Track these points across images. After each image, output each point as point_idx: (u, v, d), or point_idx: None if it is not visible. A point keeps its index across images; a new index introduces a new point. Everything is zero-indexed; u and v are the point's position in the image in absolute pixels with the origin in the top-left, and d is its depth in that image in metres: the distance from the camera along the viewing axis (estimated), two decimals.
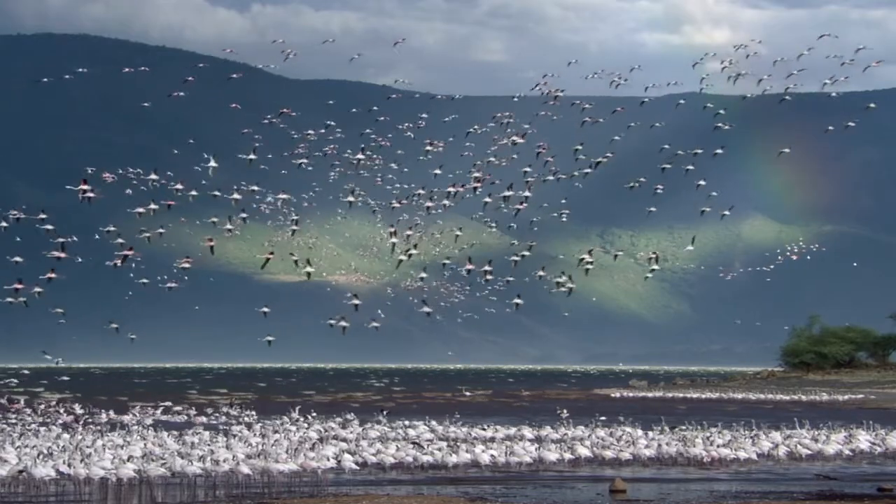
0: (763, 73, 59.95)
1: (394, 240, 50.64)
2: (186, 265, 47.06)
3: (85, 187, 45.62)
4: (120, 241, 48.53)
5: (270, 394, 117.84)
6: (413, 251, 50.86)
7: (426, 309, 50.55)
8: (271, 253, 52.27)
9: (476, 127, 72.60)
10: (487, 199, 55.60)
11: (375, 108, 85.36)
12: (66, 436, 45.64)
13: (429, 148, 69.79)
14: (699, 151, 58.39)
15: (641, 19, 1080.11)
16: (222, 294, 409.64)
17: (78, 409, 65.12)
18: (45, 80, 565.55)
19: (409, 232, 56.64)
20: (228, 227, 53.70)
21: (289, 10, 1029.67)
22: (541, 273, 50.67)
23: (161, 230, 53.30)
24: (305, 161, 69.43)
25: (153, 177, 58.82)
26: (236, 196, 56.30)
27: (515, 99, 73.05)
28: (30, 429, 50.35)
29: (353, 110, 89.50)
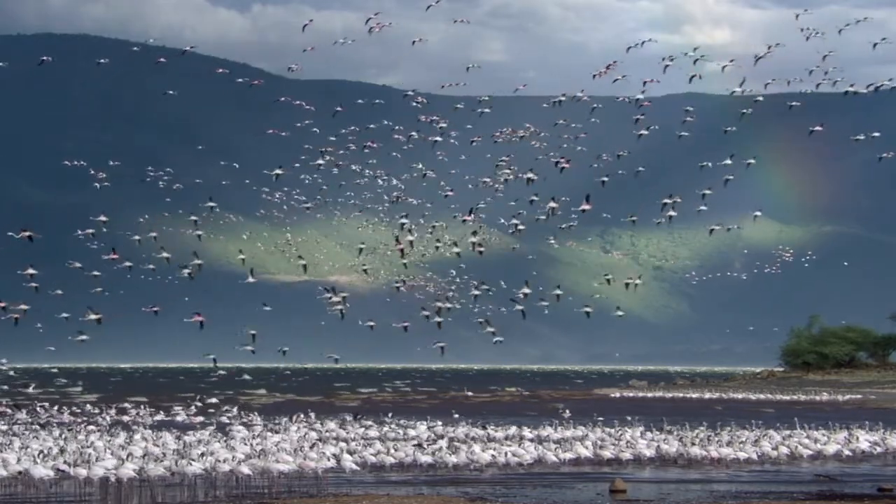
0: (766, 72, 59.66)
1: (340, 307, 50.40)
2: (93, 317, 46.90)
3: (27, 233, 45.89)
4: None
5: (301, 394, 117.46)
6: (339, 297, 50.30)
7: (370, 322, 51.01)
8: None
9: (508, 128, 71.77)
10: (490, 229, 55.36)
11: (368, 101, 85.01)
12: (65, 435, 45.62)
13: (477, 139, 69.27)
14: (728, 162, 57.90)
15: (641, 19, 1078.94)
16: (221, 293, 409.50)
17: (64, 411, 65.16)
18: (45, 80, 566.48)
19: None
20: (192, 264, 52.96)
21: (289, 9, 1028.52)
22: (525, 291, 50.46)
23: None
24: (285, 169, 68.77)
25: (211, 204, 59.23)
26: (211, 203, 56.73)
27: (546, 106, 71.87)
28: (32, 429, 50.37)
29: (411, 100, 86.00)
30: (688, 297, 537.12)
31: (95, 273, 51.50)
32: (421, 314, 52.79)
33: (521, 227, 54.00)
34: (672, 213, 54.91)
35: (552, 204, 50.22)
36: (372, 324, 53.92)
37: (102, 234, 56.72)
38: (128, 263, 56.39)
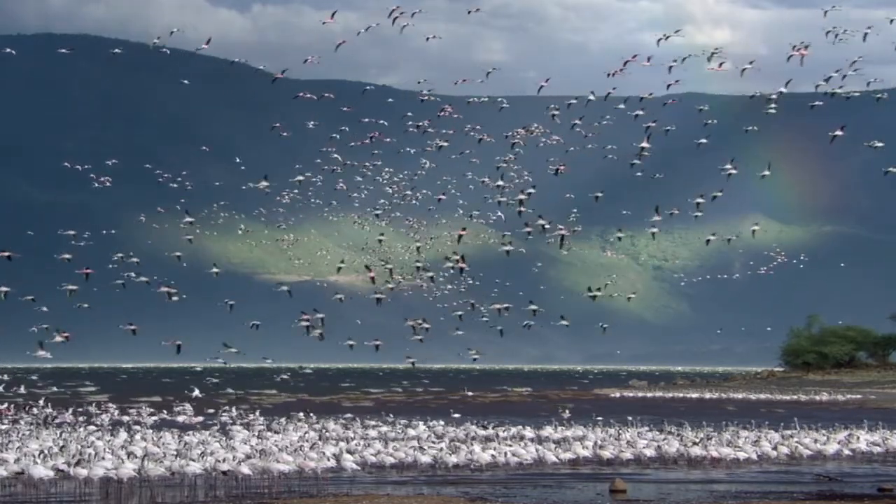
0: (766, 73, 59.39)
1: (318, 331, 50.21)
2: (62, 338, 46.82)
3: (6, 253, 46.16)
4: None
5: (312, 394, 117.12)
6: (308, 321, 49.93)
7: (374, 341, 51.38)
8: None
9: (521, 130, 71.37)
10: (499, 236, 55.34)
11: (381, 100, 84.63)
12: (65, 435, 45.58)
13: (485, 138, 69.08)
14: (733, 172, 57.81)
15: (642, 19, 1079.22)
16: (221, 293, 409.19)
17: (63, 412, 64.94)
18: (45, 80, 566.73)
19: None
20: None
21: (289, 10, 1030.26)
22: (500, 306, 50.63)
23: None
24: (308, 175, 68.42)
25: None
26: (189, 219, 56.79)
27: (552, 106, 71.39)
28: (29, 429, 50.33)
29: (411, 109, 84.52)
30: (688, 298, 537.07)
31: (73, 287, 51.41)
32: (406, 324, 52.92)
33: (509, 248, 54.13)
34: (654, 229, 54.96)
35: (541, 221, 50.24)
36: (352, 342, 54.05)
37: (101, 236, 56.85)
38: (120, 281, 56.55)
